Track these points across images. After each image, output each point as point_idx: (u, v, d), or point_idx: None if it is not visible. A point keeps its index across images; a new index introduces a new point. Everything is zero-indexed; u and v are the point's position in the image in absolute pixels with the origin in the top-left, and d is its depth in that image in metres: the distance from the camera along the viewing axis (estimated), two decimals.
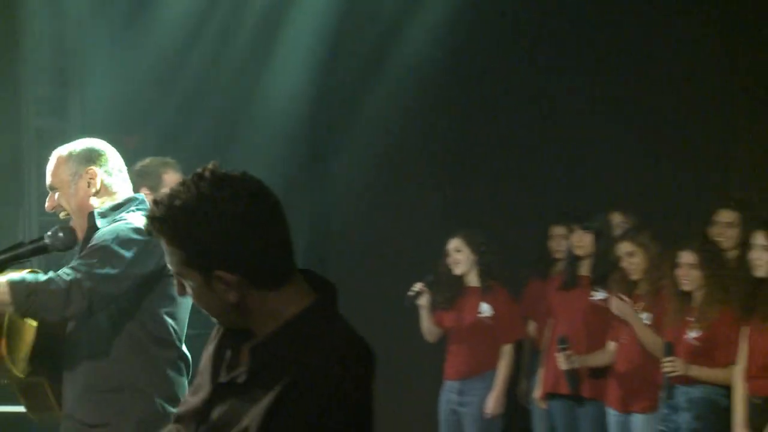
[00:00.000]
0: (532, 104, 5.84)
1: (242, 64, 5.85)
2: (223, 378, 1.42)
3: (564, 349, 4.23)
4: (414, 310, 4.77)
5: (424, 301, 4.67)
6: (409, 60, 5.85)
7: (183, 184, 1.39)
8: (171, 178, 3.67)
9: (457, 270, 4.64)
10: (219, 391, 1.42)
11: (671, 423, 3.90)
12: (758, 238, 3.69)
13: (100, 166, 2.55)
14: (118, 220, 2.48)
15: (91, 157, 2.55)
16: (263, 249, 1.38)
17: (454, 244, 4.66)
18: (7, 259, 2.41)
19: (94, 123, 5.11)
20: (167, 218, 1.36)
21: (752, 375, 3.66)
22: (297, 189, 5.61)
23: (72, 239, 2.48)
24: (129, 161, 2.88)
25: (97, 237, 2.44)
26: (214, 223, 1.34)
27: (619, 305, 4.12)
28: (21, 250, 2.46)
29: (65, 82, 5.52)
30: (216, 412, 1.41)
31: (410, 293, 4.65)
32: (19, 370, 2.45)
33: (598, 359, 4.35)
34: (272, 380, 1.37)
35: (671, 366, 3.78)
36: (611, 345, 4.26)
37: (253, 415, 1.36)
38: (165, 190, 1.43)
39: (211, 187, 1.36)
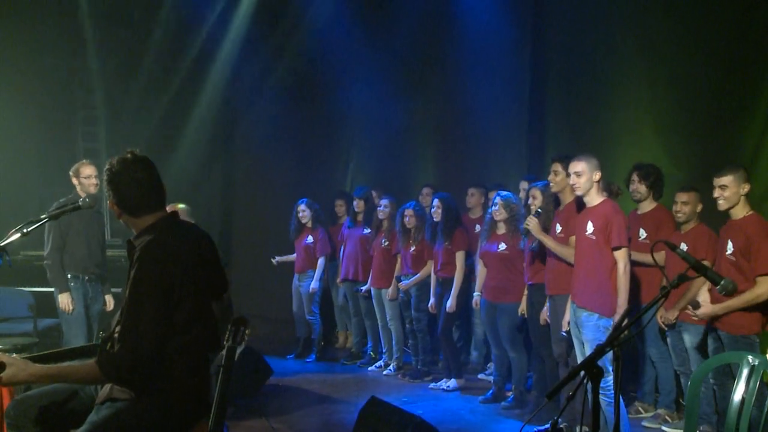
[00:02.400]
0: None
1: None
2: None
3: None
4: None
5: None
6: None
7: (110, 162, 3.14)
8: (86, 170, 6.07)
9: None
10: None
11: None
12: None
13: None
14: None
15: None
16: (130, 195, 3.10)
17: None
18: (60, 213, 3.99)
19: None
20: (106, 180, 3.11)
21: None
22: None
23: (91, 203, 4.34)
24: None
25: None
26: (113, 182, 3.10)
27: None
28: (66, 208, 4.01)
29: None
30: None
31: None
32: None
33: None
34: (135, 259, 2.97)
35: None
36: None
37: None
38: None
39: (118, 164, 3.11)
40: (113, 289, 6.50)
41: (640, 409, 6.14)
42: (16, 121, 8.96)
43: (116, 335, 2.90)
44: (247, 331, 3.52)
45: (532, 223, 5.52)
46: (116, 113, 10.30)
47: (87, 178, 6.03)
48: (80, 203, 4.03)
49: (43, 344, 6.30)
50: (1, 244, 3.57)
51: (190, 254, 3.07)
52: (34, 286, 6.88)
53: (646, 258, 5.69)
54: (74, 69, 10.12)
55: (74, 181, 6.10)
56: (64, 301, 5.99)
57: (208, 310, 3.19)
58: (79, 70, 10.13)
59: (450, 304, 6.88)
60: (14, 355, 3.05)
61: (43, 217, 3.78)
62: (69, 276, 6.08)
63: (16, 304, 6.30)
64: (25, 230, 3.65)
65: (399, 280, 7.54)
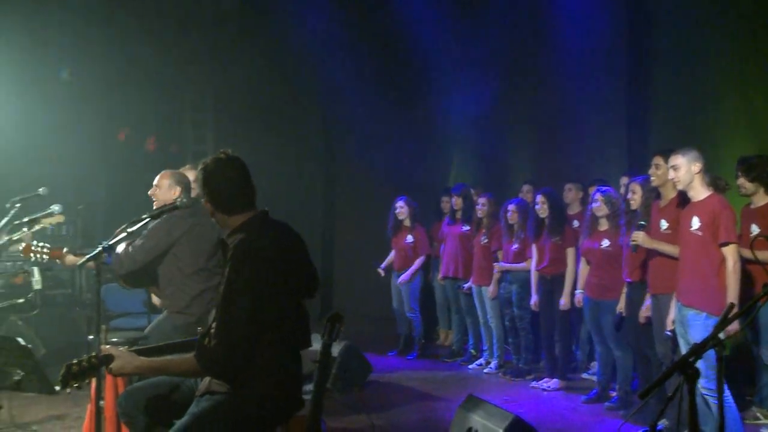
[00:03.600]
0: None
1: None
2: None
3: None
4: None
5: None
6: None
7: (204, 162, 3.28)
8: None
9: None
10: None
11: None
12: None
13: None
14: None
15: None
16: (223, 193, 3.21)
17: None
18: (159, 214, 4.22)
19: None
20: (201, 179, 3.26)
21: None
22: None
23: (189, 205, 4.53)
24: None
25: None
26: (207, 181, 3.24)
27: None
28: (165, 208, 4.24)
29: None
30: None
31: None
32: None
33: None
34: (228, 258, 3.05)
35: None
36: None
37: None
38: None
39: (212, 163, 3.25)
40: None
41: (758, 414, 5.80)
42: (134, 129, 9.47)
43: (212, 331, 3.01)
44: (341, 328, 3.59)
45: (639, 238, 5.34)
46: (222, 116, 10.69)
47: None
48: (178, 203, 4.18)
49: (153, 339, 6.59)
50: (109, 244, 3.76)
51: (281, 252, 3.16)
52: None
53: (762, 255, 5.38)
54: (185, 75, 10.57)
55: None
56: (155, 299, 6.27)
57: (300, 308, 3.26)
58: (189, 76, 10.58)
59: (563, 301, 6.75)
60: (123, 348, 3.21)
61: (144, 216, 3.96)
62: None
63: (133, 301, 6.61)
64: (129, 230, 3.83)
65: (501, 279, 7.47)
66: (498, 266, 7.40)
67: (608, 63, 8.46)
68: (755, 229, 5.69)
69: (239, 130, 10.48)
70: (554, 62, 8.98)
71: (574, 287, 6.73)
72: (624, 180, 6.85)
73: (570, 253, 6.80)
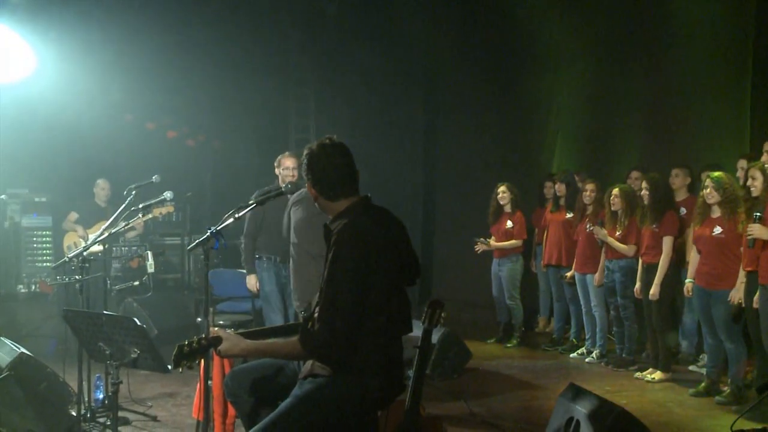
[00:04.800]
0: None
1: None
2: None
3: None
4: None
5: None
6: None
7: (309, 147, 3.34)
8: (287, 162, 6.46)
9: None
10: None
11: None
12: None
13: None
14: None
15: None
16: (327, 179, 3.24)
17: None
18: (270, 197, 4.11)
19: None
20: (305, 164, 3.32)
21: None
22: None
23: (293, 190, 4.49)
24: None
25: None
26: (312, 165, 3.28)
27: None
28: (270, 194, 4.13)
29: None
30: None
31: None
32: None
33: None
34: (332, 243, 3.11)
35: None
36: None
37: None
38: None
39: (317, 148, 3.28)
40: None
41: None
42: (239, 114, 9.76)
43: (316, 315, 3.08)
44: (443, 314, 3.60)
45: (756, 230, 5.08)
46: (324, 103, 10.86)
47: (286, 169, 6.38)
48: (283, 189, 4.26)
49: (257, 322, 6.80)
50: (218, 228, 3.87)
51: (384, 238, 3.17)
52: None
53: None
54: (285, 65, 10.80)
55: (276, 171, 6.50)
56: (251, 282, 6.45)
57: (401, 294, 3.27)
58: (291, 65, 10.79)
59: (653, 291, 6.54)
60: (230, 330, 3.32)
61: (251, 202, 4.05)
62: (264, 258, 6.44)
63: (239, 285, 6.83)
64: (236, 215, 3.95)
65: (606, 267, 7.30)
66: (599, 233, 7.17)
67: (729, 37, 8.00)
68: None
69: (341, 115, 10.62)
70: (666, 39, 8.61)
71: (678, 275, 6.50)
72: (742, 163, 6.50)
73: (666, 241, 6.56)
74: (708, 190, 5.96)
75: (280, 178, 6.46)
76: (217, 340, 3.19)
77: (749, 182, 5.55)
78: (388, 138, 11.11)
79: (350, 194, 3.26)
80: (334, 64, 10.88)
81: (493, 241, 8.35)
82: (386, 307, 3.13)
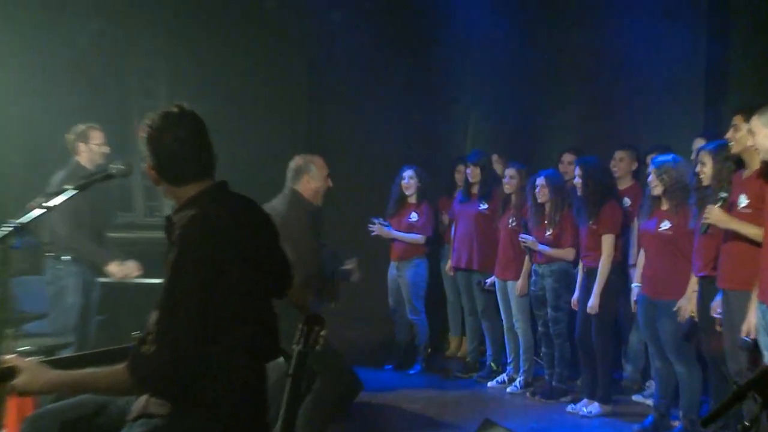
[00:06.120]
0: None
1: None
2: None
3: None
4: None
5: None
6: None
7: (150, 117, 3.14)
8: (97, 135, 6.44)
9: None
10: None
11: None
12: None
13: None
14: None
15: None
16: (170, 158, 3.10)
17: None
18: (90, 183, 3.88)
19: None
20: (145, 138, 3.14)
21: None
22: None
23: (127, 172, 4.16)
24: None
25: None
26: (152, 141, 3.11)
27: None
28: (95, 177, 3.96)
29: None
30: None
31: None
32: None
33: None
34: (172, 241, 2.98)
35: None
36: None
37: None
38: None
39: (159, 119, 3.11)
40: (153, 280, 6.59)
41: None
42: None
43: (151, 335, 2.89)
44: (322, 333, 3.48)
45: (713, 215, 5.21)
46: (177, 66, 10.53)
47: (99, 145, 6.35)
48: (114, 171, 4.03)
49: (86, 345, 6.46)
50: (22, 221, 3.59)
51: (242, 234, 3.06)
52: None
53: None
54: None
55: (81, 147, 6.36)
56: (114, 269, 6.25)
57: (266, 307, 3.18)
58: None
59: (591, 302, 6.65)
60: (34, 358, 3.11)
61: (66, 187, 3.80)
62: (72, 260, 6.28)
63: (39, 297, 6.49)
64: (49, 204, 3.68)
65: (531, 273, 7.37)
66: (526, 241, 7.23)
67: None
68: None
69: (198, 78, 10.32)
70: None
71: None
72: (699, 142, 6.66)
73: (606, 240, 6.70)
74: (650, 177, 6.09)
75: (84, 155, 6.35)
76: (11, 371, 2.97)
77: (698, 168, 5.69)
78: (260, 111, 10.90)
79: (199, 178, 3.14)
80: (187, 10, 10.58)
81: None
82: (245, 322, 3.02)
